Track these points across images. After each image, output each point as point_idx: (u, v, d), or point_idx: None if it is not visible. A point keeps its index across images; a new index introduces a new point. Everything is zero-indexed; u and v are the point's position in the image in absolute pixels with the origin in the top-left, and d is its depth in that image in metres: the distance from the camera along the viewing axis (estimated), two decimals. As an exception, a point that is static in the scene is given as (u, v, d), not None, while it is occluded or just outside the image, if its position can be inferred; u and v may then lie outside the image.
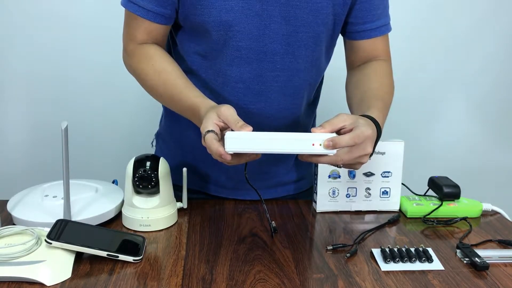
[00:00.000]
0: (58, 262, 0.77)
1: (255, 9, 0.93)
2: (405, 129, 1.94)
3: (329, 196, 1.05)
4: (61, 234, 0.79)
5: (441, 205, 1.04)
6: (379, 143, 1.02)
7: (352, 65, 1.10)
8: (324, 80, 1.14)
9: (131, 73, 1.01)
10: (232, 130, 0.77)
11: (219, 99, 1.00)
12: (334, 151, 0.74)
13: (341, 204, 1.05)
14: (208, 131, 0.77)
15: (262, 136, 0.74)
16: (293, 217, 1.03)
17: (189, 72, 1.01)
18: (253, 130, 0.76)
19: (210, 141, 0.76)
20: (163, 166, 0.94)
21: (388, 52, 1.09)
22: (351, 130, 0.79)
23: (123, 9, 0.98)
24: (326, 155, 0.76)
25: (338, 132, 0.79)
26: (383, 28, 1.05)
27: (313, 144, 0.74)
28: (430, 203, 1.05)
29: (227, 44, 0.95)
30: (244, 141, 0.74)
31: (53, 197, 0.95)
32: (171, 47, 1.07)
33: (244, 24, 0.93)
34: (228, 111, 0.78)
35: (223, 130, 0.79)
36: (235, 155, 0.76)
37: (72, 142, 0.96)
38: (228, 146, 0.74)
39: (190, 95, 0.90)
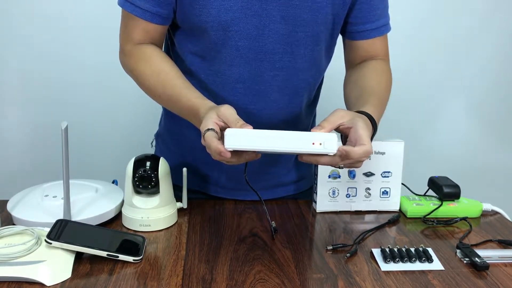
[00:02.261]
0: (58, 262, 0.77)
1: (254, 8, 0.92)
2: (405, 129, 1.94)
3: (329, 196, 1.05)
4: (61, 234, 0.79)
5: (441, 205, 1.04)
6: (379, 143, 1.03)
7: (351, 64, 1.10)
8: (324, 80, 1.14)
9: (129, 73, 1.01)
10: None
11: (218, 100, 1.00)
12: (334, 150, 0.74)
13: (341, 204, 1.05)
14: (208, 129, 0.77)
15: (262, 133, 0.74)
16: (293, 217, 1.03)
17: (187, 72, 1.01)
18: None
19: (210, 139, 0.75)
20: (163, 166, 0.94)
21: (387, 52, 1.09)
22: (349, 128, 0.79)
23: (121, 9, 0.98)
24: (326, 155, 0.75)
25: (337, 129, 0.79)
26: (383, 28, 1.05)
27: (313, 143, 0.73)
28: (430, 203, 1.05)
29: (226, 44, 0.95)
30: (244, 138, 0.73)
31: (53, 197, 0.95)
32: (169, 48, 1.07)
33: (243, 23, 0.93)
34: (228, 111, 0.78)
35: (223, 129, 0.79)
36: (235, 153, 0.75)
37: (72, 142, 0.96)
38: (228, 143, 0.73)
39: (189, 96, 0.90)
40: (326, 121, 0.79)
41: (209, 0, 0.91)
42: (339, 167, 0.85)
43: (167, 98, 0.94)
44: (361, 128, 0.79)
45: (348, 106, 1.00)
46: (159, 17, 0.95)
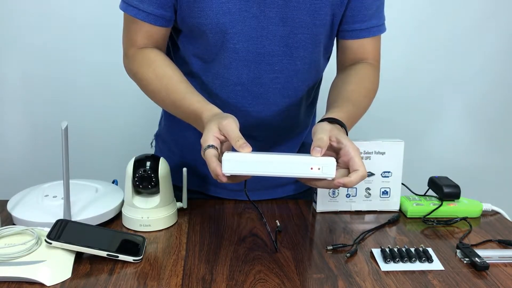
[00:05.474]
0: (58, 262, 0.77)
1: (252, 10, 0.92)
2: (405, 129, 1.94)
3: (329, 196, 1.05)
4: (61, 234, 0.79)
5: (441, 205, 1.04)
6: (379, 142, 1.03)
7: (341, 65, 1.08)
8: (323, 79, 1.13)
9: (132, 78, 1.00)
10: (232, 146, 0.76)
11: (218, 102, 1.00)
12: (333, 175, 0.74)
13: (341, 204, 1.05)
14: (209, 146, 0.76)
15: (261, 158, 0.73)
16: (293, 217, 1.03)
17: (189, 74, 1.01)
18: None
19: (210, 157, 0.74)
20: (163, 166, 0.94)
21: (377, 55, 1.07)
22: (338, 148, 0.78)
23: (123, 13, 0.97)
24: (325, 179, 0.75)
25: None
26: (374, 29, 1.03)
27: (311, 168, 0.73)
28: (430, 203, 1.05)
29: (225, 46, 0.95)
30: (242, 163, 0.73)
31: (53, 197, 0.95)
32: (172, 51, 1.06)
33: (241, 26, 0.93)
34: (230, 126, 0.77)
35: (223, 143, 0.78)
36: (231, 176, 0.75)
37: (72, 142, 0.96)
38: (226, 168, 0.72)
39: (192, 101, 0.89)
40: (320, 140, 0.77)
41: (207, 3, 0.91)
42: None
43: (170, 102, 0.94)
44: (352, 149, 0.77)
45: (326, 109, 0.99)
46: (163, 20, 0.95)
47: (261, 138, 1.05)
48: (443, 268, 0.83)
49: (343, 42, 1.05)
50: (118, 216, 0.98)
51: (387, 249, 0.86)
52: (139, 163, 0.93)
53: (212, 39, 0.94)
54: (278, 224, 0.96)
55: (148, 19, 0.94)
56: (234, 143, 0.75)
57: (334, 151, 0.80)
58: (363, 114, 1.00)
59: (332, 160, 0.73)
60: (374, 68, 1.05)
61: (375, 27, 1.03)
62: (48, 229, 0.81)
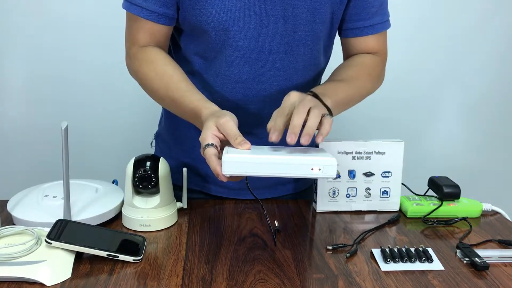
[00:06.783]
0: (58, 262, 0.77)
1: (253, 8, 0.93)
2: (405, 129, 1.94)
3: (329, 196, 1.05)
4: (61, 234, 0.79)
5: (441, 205, 1.04)
6: (379, 142, 1.03)
7: None
8: (322, 78, 1.14)
9: (134, 76, 1.00)
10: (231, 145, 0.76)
11: (219, 100, 1.00)
12: (334, 175, 0.74)
13: (341, 204, 1.05)
14: (208, 145, 0.76)
15: (261, 160, 0.73)
16: (293, 217, 1.03)
17: (191, 73, 1.01)
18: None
19: (209, 156, 0.75)
20: (163, 166, 0.94)
21: (383, 50, 1.08)
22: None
23: (124, 9, 0.97)
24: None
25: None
26: (378, 26, 1.04)
27: (312, 169, 0.73)
28: (430, 203, 1.05)
29: (226, 44, 0.95)
30: (242, 165, 0.73)
31: (53, 197, 0.95)
32: (173, 50, 1.07)
33: (243, 23, 0.93)
34: (228, 124, 0.77)
35: (223, 141, 0.79)
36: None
37: (72, 142, 0.96)
38: (226, 169, 0.73)
39: (192, 99, 0.89)
40: (276, 125, 0.80)
41: (209, 1, 0.91)
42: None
43: (170, 100, 0.94)
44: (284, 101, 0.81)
45: None
46: (166, 18, 0.95)
47: (262, 136, 1.05)
48: (443, 268, 0.83)
49: (348, 40, 1.06)
50: (118, 216, 0.98)
51: (387, 249, 0.86)
52: (139, 163, 0.93)
53: (213, 37, 0.94)
54: (277, 224, 0.96)
55: (151, 17, 0.94)
56: (233, 141, 0.75)
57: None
58: (362, 90, 1.01)
59: (333, 160, 0.74)
60: (376, 58, 1.06)
61: (379, 24, 1.04)
62: (48, 229, 0.81)
